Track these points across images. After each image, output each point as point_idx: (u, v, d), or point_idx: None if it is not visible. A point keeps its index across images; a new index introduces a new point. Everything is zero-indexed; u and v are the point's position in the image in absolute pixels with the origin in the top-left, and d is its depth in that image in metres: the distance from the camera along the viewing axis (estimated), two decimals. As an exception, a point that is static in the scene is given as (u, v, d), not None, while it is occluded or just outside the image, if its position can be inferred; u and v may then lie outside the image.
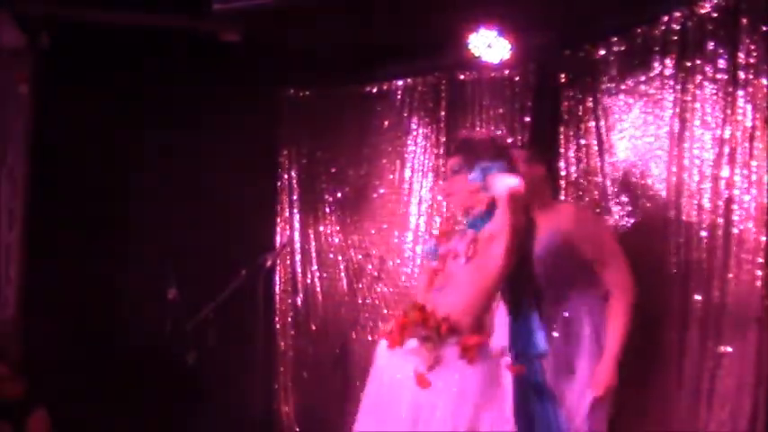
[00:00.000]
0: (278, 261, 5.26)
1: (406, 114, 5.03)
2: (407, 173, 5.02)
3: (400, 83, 5.04)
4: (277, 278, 5.39)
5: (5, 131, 4.85)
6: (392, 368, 2.73)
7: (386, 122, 5.12)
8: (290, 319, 5.40)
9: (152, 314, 4.44)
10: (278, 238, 5.36)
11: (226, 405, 4.80)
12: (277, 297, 5.40)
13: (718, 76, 3.59)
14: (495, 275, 2.70)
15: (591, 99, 4.19)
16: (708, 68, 3.64)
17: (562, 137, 4.31)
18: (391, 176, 5.07)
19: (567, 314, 3.38)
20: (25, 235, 4.87)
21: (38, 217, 4.76)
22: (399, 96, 5.06)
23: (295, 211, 5.46)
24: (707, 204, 3.62)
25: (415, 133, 5.00)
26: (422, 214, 4.93)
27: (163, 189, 5.00)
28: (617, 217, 3.98)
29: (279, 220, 5.47)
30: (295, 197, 5.47)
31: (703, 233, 3.62)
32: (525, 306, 2.78)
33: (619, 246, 3.45)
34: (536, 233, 2.92)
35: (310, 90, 5.30)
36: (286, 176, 5.49)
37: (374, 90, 5.15)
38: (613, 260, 3.35)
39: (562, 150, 4.28)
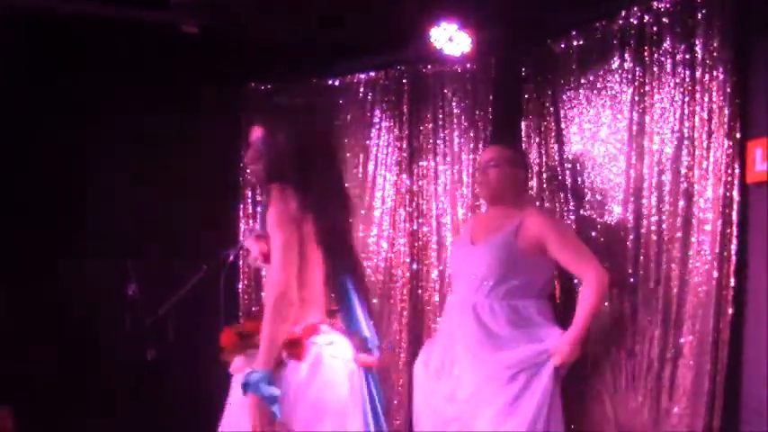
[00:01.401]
0: (240, 255, 5.21)
1: (368, 108, 5.02)
2: (371, 166, 5.01)
3: (363, 76, 5.02)
4: (240, 273, 5.34)
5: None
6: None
7: (348, 116, 5.09)
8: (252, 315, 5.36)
9: (111, 311, 4.38)
10: (240, 233, 5.32)
11: (187, 401, 4.76)
12: (240, 292, 5.35)
13: (678, 69, 3.62)
14: (278, 274, 2.66)
15: (550, 92, 4.21)
16: (667, 62, 3.67)
17: (523, 130, 4.33)
18: (355, 170, 5.05)
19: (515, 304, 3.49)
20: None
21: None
22: (362, 90, 5.04)
23: (258, 205, 5.41)
24: (666, 197, 3.66)
25: (378, 126, 4.98)
26: (385, 208, 4.92)
27: (123, 182, 4.93)
28: (577, 210, 4.01)
29: (242, 214, 5.42)
30: (258, 191, 5.42)
31: (663, 225, 3.65)
32: (349, 299, 2.78)
33: (583, 243, 3.61)
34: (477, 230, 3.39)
35: (272, 84, 5.26)
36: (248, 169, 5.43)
37: (336, 83, 5.12)
38: (583, 257, 3.50)
39: (524, 144, 4.30)
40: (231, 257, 4.53)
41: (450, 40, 4.21)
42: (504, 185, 3.65)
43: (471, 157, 4.55)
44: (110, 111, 4.88)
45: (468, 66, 4.57)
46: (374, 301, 4.59)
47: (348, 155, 5.08)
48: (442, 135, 4.74)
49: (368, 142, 5.01)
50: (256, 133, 2.87)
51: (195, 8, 4.21)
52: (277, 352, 2.59)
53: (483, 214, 3.97)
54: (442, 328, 3.82)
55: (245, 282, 5.38)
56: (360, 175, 5.03)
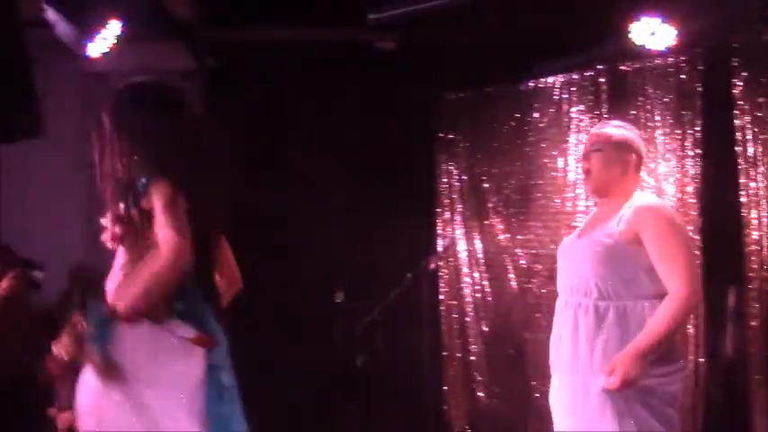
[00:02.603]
0: (441, 264, 5.28)
1: (565, 110, 4.92)
2: (570, 170, 4.90)
3: (558, 78, 4.93)
4: (441, 281, 5.40)
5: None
6: None
7: (545, 119, 5.02)
8: (455, 322, 5.41)
9: (321, 318, 4.58)
10: (440, 241, 5.38)
11: (395, 407, 4.88)
12: (442, 299, 5.42)
13: None
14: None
15: (766, 82, 3.93)
16: None
17: (737, 124, 4.06)
18: (553, 174, 4.97)
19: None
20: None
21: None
22: (557, 92, 4.95)
23: (457, 213, 5.46)
24: None
25: (575, 129, 4.87)
26: (588, 211, 4.79)
27: (324, 197, 5.15)
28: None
29: (440, 222, 5.49)
30: (456, 198, 5.47)
31: None
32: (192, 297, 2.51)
33: (687, 250, 2.98)
34: None
35: (466, 91, 5.29)
36: (446, 179, 5.50)
37: (531, 86, 5.06)
38: (676, 265, 2.88)
39: (738, 138, 4.03)
40: (432, 266, 4.63)
41: (653, 34, 4.04)
42: (608, 173, 3.03)
43: (679, 154, 4.34)
44: (310, 125, 5.12)
45: (672, 60, 4.36)
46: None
47: (546, 159, 5.01)
48: (644, 135, 4.54)
49: (565, 146, 4.91)
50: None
51: (393, 24, 4.31)
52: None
53: (597, 206, 3.33)
54: (553, 332, 3.24)
55: (447, 288, 5.43)
56: (558, 180, 4.94)
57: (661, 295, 2.86)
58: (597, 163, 3.03)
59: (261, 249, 5.02)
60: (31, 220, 5.10)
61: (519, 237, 5.13)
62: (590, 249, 2.96)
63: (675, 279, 2.84)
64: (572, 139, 4.87)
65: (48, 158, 5.05)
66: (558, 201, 4.91)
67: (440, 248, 5.28)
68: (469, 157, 5.40)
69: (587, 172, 3.07)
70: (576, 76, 4.84)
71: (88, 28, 4.23)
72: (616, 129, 3.10)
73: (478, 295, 5.32)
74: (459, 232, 5.42)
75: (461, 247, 5.39)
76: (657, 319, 2.81)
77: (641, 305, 2.88)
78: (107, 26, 4.26)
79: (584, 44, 4.58)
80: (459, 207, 5.44)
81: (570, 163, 4.87)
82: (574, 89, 4.86)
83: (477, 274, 5.33)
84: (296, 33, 4.79)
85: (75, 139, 5.14)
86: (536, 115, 5.04)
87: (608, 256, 2.92)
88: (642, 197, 3.05)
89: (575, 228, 4.73)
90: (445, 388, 5.33)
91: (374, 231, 5.10)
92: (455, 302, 5.41)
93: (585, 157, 3.08)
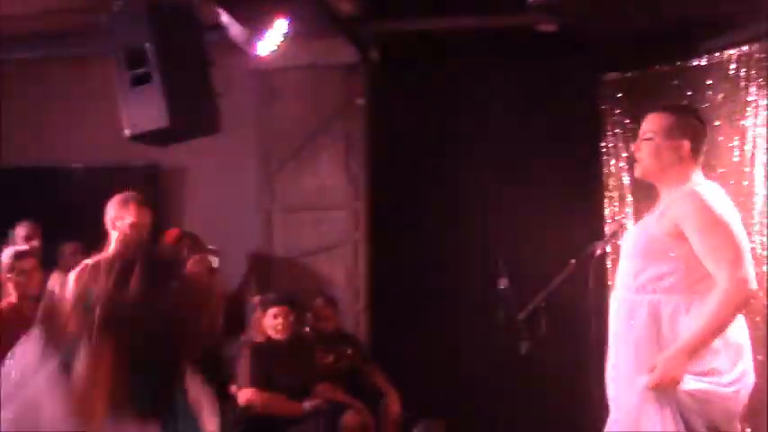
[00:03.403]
0: (609, 248, 5.13)
1: (742, 85, 4.63)
2: (748, 148, 4.61)
3: (732, 52, 4.64)
4: (608, 267, 5.25)
5: (348, 142, 5.36)
6: None
7: (719, 96, 4.75)
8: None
9: (485, 304, 4.60)
10: (607, 226, 5.23)
11: (559, 395, 4.82)
12: (610, 285, 5.26)
13: None
14: None
15: None
16: None
17: None
18: (730, 154, 4.70)
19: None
20: (369, 233, 5.35)
21: (379, 217, 5.18)
22: (733, 66, 4.67)
23: (626, 195, 5.29)
24: None
25: (754, 105, 4.58)
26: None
27: (490, 181, 5.15)
28: None
29: (607, 205, 5.33)
30: (624, 181, 5.30)
31: None
32: None
33: (732, 241, 2.72)
34: None
35: (633, 71, 5.10)
36: (613, 161, 5.34)
37: (703, 63, 4.80)
38: (721, 256, 2.68)
39: None
40: (598, 251, 4.51)
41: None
42: (657, 161, 2.85)
43: None
44: (473, 113, 5.13)
45: None
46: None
47: (721, 138, 4.74)
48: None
49: (743, 123, 4.63)
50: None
51: (554, 7, 4.24)
52: None
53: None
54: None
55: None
56: (736, 159, 4.66)
57: (705, 291, 2.68)
58: (647, 151, 2.87)
59: (427, 235, 5.12)
60: (213, 211, 5.44)
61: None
62: (633, 242, 2.87)
63: (719, 272, 2.64)
64: (749, 116, 4.59)
65: (225, 152, 5.36)
66: (733, 181, 4.64)
67: (607, 233, 5.14)
68: (637, 137, 5.21)
69: (639, 160, 2.92)
70: (753, 50, 4.55)
71: (257, 28, 4.46)
72: (668, 115, 2.91)
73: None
74: (627, 215, 5.25)
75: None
76: (701, 316, 2.64)
77: (676, 300, 2.71)
78: (274, 25, 4.47)
79: (763, 13, 4.29)
80: (627, 189, 5.27)
81: (748, 141, 4.59)
82: (752, 63, 4.58)
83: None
84: (457, 22, 4.81)
85: (250, 133, 5.48)
86: (709, 93, 4.78)
87: (645, 249, 2.78)
88: (690, 186, 2.81)
89: (753, 207, 4.52)
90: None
91: (540, 216, 5.05)
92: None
93: (637, 145, 2.94)
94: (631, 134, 5.22)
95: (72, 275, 3.63)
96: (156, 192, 5.56)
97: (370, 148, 5.35)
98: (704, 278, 2.71)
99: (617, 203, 5.29)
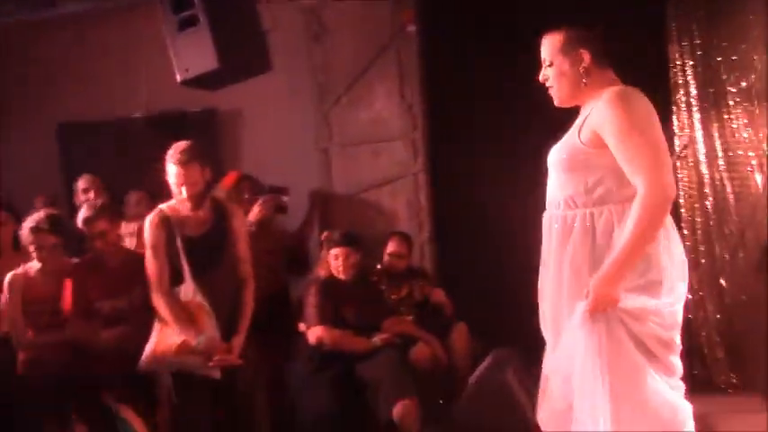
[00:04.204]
0: (678, 163, 4.95)
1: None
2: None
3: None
4: (680, 183, 5.07)
5: (401, 71, 5.23)
6: None
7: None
8: (698, 225, 5.08)
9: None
10: (676, 140, 5.03)
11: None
12: (682, 201, 5.09)
13: None
14: None
15: None
16: None
17: None
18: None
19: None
20: (429, 163, 5.26)
21: (437, 146, 5.07)
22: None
23: (694, 107, 5.06)
24: None
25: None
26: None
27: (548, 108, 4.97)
28: None
29: (676, 119, 5.12)
30: (693, 92, 5.06)
31: None
32: None
33: (654, 144, 2.51)
34: None
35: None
36: (680, 72, 5.10)
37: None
38: (640, 161, 2.48)
39: None
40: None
41: None
42: (565, 81, 2.69)
43: None
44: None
45: None
46: None
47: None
48: None
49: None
50: None
51: None
52: None
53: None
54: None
55: (686, 191, 5.09)
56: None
57: (632, 198, 2.47)
58: (552, 77, 2.70)
59: (488, 164, 5.00)
60: (270, 151, 5.43)
61: (764, 130, 4.69)
62: (556, 158, 2.66)
63: (637, 177, 2.46)
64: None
65: (279, 91, 5.30)
66: None
67: (677, 148, 4.95)
68: (705, 46, 4.96)
69: (550, 89, 2.73)
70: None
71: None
72: (556, 34, 2.72)
73: (720, 195, 4.95)
74: (697, 128, 5.03)
75: (699, 144, 5.01)
76: (625, 230, 2.46)
77: (608, 210, 2.53)
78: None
79: None
80: (695, 101, 5.04)
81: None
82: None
83: (717, 174, 4.95)
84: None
85: (302, 69, 5.40)
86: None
87: (570, 163, 2.61)
88: (605, 93, 2.57)
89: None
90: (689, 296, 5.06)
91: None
92: (697, 205, 5.07)
93: (543, 76, 2.74)
94: (700, 41, 4.98)
95: (148, 221, 3.69)
96: (213, 136, 5.58)
97: (424, 76, 5.21)
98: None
99: (686, 114, 5.07)
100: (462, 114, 5.07)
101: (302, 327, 4.42)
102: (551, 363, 2.68)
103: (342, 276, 4.38)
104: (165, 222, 3.65)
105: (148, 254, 3.68)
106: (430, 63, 5.20)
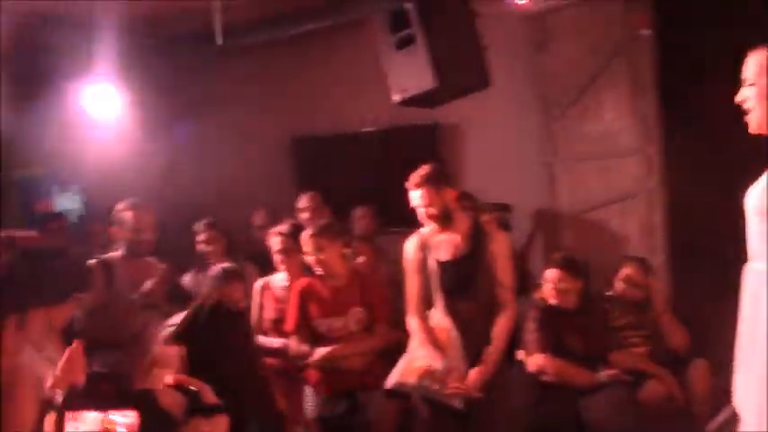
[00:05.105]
0: None
1: None
2: None
3: None
4: None
5: (634, 79, 4.86)
6: None
7: None
8: None
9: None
10: None
11: None
12: None
13: None
14: None
15: None
16: None
17: None
18: None
19: None
20: (665, 180, 4.84)
21: (673, 162, 4.66)
22: None
23: None
24: None
25: None
26: None
27: None
28: None
29: None
30: None
31: None
32: None
33: None
34: None
35: None
36: None
37: None
38: None
39: None
40: None
41: None
42: (766, 109, 2.36)
43: None
44: None
45: None
46: None
47: None
48: None
49: None
50: None
51: None
52: None
53: None
54: None
55: None
56: None
57: None
58: (753, 100, 2.40)
59: (730, 181, 4.50)
60: (492, 166, 5.28)
61: None
62: (757, 204, 2.37)
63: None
64: None
65: (501, 104, 5.13)
66: None
67: None
68: None
69: (748, 112, 2.43)
70: None
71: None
72: (764, 52, 2.40)
73: None
74: None
75: None
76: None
77: None
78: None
79: None
80: None
81: None
82: None
83: None
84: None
85: (524, 81, 5.18)
86: None
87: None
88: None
89: None
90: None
91: None
92: None
93: (740, 95, 2.44)
94: None
95: (407, 243, 3.68)
96: (435, 149, 5.52)
97: (660, 84, 4.79)
98: None
99: None
100: (703, 128, 4.59)
101: (521, 354, 4.21)
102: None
103: (552, 301, 4.12)
104: (422, 246, 3.65)
105: (407, 276, 3.70)
106: (666, 70, 4.76)
